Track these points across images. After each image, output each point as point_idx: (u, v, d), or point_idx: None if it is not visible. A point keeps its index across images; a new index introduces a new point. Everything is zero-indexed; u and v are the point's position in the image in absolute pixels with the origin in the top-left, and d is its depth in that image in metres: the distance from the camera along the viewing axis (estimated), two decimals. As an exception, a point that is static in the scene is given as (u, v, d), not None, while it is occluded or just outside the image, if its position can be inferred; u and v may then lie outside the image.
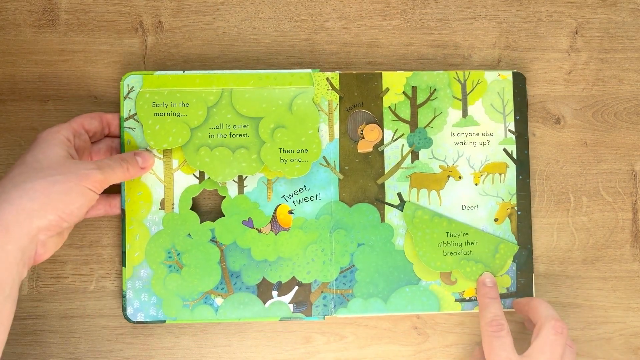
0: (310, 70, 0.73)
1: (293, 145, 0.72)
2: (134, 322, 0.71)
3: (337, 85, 0.74)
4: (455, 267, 0.73)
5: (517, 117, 0.75)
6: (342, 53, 0.78)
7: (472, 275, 0.73)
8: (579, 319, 0.77)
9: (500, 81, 0.75)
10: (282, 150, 0.72)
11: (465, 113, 0.75)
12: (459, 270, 0.73)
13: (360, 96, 0.74)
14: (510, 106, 0.75)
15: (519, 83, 0.76)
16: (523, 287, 0.74)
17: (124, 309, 0.71)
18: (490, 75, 0.75)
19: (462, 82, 0.75)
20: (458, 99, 0.75)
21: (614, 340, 0.77)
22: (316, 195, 0.73)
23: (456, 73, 0.75)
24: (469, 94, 0.75)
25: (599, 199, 0.78)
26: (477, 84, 0.75)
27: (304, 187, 0.73)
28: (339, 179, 0.74)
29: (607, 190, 0.78)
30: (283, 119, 0.72)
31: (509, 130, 0.75)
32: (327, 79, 0.74)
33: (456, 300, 0.74)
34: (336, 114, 0.74)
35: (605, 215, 0.78)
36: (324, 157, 0.74)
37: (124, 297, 0.71)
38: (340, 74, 0.74)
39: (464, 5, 0.79)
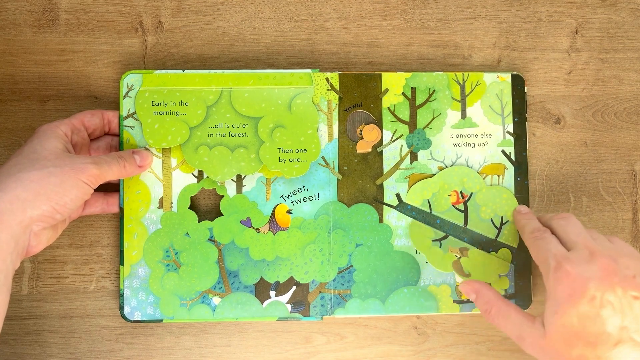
0: (309, 71, 0.73)
1: (292, 145, 0.72)
2: (131, 320, 0.71)
3: (336, 85, 0.74)
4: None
5: (516, 119, 0.75)
6: (342, 53, 0.78)
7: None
8: (579, 319, 0.77)
9: (499, 83, 0.75)
10: (281, 150, 0.72)
11: (464, 114, 0.75)
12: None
13: (359, 96, 0.74)
14: (509, 108, 0.75)
15: (518, 85, 0.76)
16: (521, 288, 0.74)
17: (121, 308, 0.71)
18: (489, 77, 0.75)
19: (461, 83, 0.75)
20: (457, 100, 0.75)
21: (614, 341, 0.77)
22: (315, 196, 0.73)
23: (455, 74, 0.75)
24: (467, 95, 0.75)
25: (599, 199, 0.78)
26: (476, 85, 0.75)
27: (303, 187, 0.73)
28: (338, 179, 0.74)
29: (607, 190, 0.78)
30: (282, 119, 0.72)
31: (508, 132, 0.75)
32: (327, 79, 0.74)
33: (454, 301, 0.74)
34: (335, 114, 0.74)
35: (605, 216, 0.78)
36: (322, 157, 0.74)
37: (121, 295, 0.71)
38: (339, 74, 0.74)
39: (464, 5, 0.79)
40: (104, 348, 0.74)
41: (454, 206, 0.75)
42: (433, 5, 0.79)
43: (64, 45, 0.76)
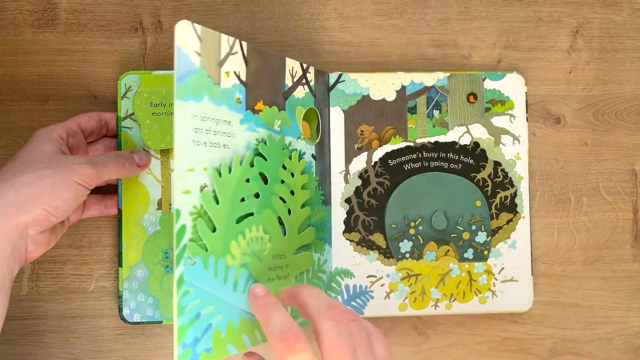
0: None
1: None
2: (130, 322, 0.71)
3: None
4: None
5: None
6: (342, 53, 0.78)
7: None
8: (579, 319, 0.77)
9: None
10: None
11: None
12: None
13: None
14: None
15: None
16: None
17: (120, 310, 0.71)
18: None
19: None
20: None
21: (614, 340, 0.77)
22: None
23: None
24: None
25: (599, 199, 0.78)
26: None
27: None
28: None
29: (608, 190, 0.78)
30: (282, 120, 0.72)
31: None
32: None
33: None
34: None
35: (605, 215, 0.78)
36: None
37: (120, 297, 0.71)
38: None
39: (464, 5, 0.79)
40: (104, 348, 0.74)
41: None
42: (433, 5, 0.78)
43: (63, 45, 0.75)
